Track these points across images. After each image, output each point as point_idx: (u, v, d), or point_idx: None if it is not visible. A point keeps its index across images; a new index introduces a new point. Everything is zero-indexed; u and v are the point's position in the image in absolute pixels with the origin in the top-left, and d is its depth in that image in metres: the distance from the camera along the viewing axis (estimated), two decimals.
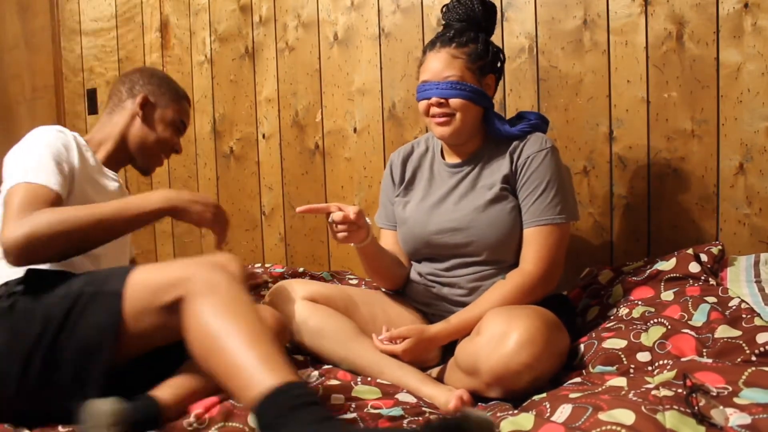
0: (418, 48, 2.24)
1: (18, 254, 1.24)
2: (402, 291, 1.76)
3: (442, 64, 1.54)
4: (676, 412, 0.98)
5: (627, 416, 0.97)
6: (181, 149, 1.73)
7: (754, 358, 1.16)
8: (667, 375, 1.17)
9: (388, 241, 1.76)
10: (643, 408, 0.99)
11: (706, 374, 1.12)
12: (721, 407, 0.98)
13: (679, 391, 1.06)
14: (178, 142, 1.72)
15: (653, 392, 1.07)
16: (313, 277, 2.13)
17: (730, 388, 1.06)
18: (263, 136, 2.59)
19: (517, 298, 1.47)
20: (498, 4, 2.03)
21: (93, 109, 3.03)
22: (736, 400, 1.02)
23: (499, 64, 1.63)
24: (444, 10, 1.64)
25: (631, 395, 1.07)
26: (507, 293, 1.48)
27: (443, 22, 1.65)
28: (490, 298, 1.48)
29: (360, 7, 2.35)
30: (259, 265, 2.43)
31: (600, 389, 1.16)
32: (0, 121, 3.33)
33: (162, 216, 1.38)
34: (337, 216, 1.50)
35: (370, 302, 1.65)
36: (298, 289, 1.59)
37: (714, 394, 1.04)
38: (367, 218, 1.55)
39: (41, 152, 1.41)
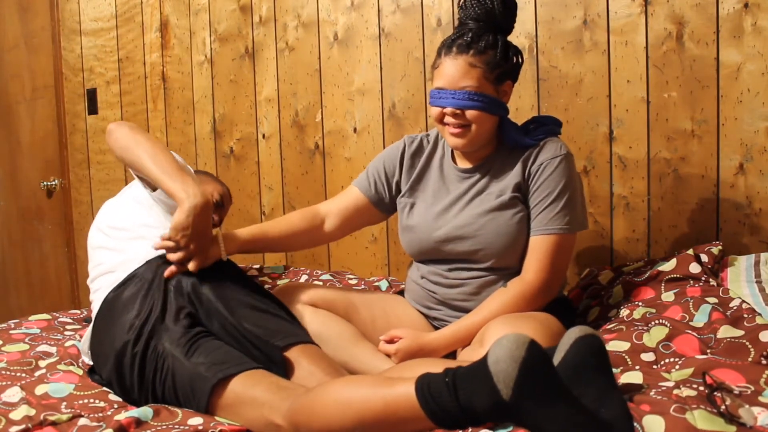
0: (418, 48, 2.24)
1: None
2: (402, 291, 1.75)
3: (459, 73, 1.47)
4: (704, 411, 0.97)
5: (657, 423, 0.96)
6: (217, 220, 2.03)
7: (764, 361, 1.16)
8: (685, 372, 1.16)
9: (344, 198, 1.71)
10: (671, 411, 0.97)
11: (725, 372, 1.11)
12: (748, 406, 0.97)
13: (701, 389, 1.05)
14: (216, 217, 2.02)
15: (675, 391, 1.06)
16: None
17: (753, 387, 1.05)
18: (263, 136, 2.59)
19: (517, 307, 1.46)
20: None
21: (93, 109, 3.03)
22: (761, 399, 1.01)
23: (516, 69, 1.57)
24: (461, 6, 1.56)
25: (652, 394, 1.06)
26: (507, 302, 1.46)
27: (459, 18, 1.57)
28: (490, 307, 1.47)
29: (360, 7, 2.35)
30: (258, 266, 2.43)
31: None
32: (0, 121, 3.34)
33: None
34: (174, 256, 1.47)
35: (370, 305, 1.64)
36: (298, 293, 1.59)
37: (737, 393, 1.03)
38: (217, 233, 1.54)
39: None
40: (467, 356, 1.40)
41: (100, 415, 1.29)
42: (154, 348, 1.36)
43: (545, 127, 1.58)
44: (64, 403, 1.33)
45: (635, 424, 0.97)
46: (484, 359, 0.99)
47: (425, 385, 1.03)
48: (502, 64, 1.50)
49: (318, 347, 1.44)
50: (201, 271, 1.49)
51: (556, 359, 1.06)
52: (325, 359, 1.40)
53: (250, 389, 1.26)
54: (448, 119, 1.50)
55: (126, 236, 1.66)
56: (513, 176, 1.54)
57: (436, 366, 1.12)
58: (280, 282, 2.22)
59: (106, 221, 1.73)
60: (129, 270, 1.54)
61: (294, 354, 1.39)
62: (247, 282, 1.55)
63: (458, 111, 1.48)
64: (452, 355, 1.51)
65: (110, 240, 1.68)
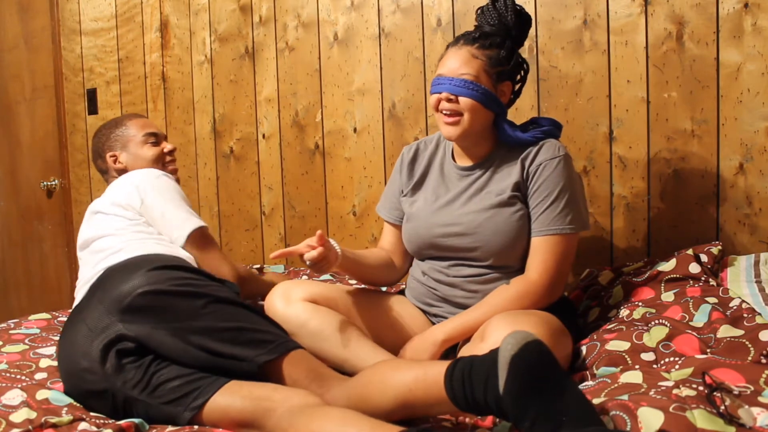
0: (418, 48, 2.24)
1: None
2: (403, 291, 1.76)
3: (459, 61, 1.52)
4: (704, 411, 0.97)
5: (655, 416, 0.96)
6: (171, 149, 1.93)
7: (763, 360, 1.16)
8: (685, 372, 1.16)
9: (387, 235, 1.75)
10: (670, 408, 0.97)
11: (725, 372, 1.11)
12: (747, 406, 0.97)
13: (701, 389, 1.05)
14: (164, 147, 1.92)
15: (674, 391, 1.06)
16: None
17: (752, 387, 1.05)
18: (263, 136, 2.59)
19: (519, 304, 1.46)
20: None
21: (93, 109, 3.03)
22: (760, 399, 1.01)
23: (520, 75, 1.61)
24: (478, 12, 1.61)
25: (652, 393, 1.06)
26: (509, 299, 1.47)
27: (475, 24, 1.62)
28: (492, 303, 1.48)
29: (360, 7, 2.35)
30: (258, 266, 2.43)
31: (616, 385, 1.16)
32: (0, 121, 3.34)
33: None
34: (312, 255, 1.45)
35: (371, 302, 1.65)
36: (297, 290, 1.58)
37: (736, 393, 1.03)
38: (331, 240, 1.53)
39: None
40: (468, 351, 1.40)
41: (102, 421, 1.29)
42: (113, 397, 1.31)
43: (544, 128, 1.59)
44: (65, 409, 1.32)
45: (625, 416, 0.97)
46: None
47: None
48: (504, 64, 1.54)
49: (299, 349, 1.40)
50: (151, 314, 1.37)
51: (500, 384, 1.02)
52: (303, 362, 1.36)
53: (226, 410, 1.24)
54: (442, 105, 1.54)
55: (89, 251, 1.66)
56: (512, 175, 1.55)
57: (429, 366, 1.12)
58: None
59: (81, 235, 1.74)
60: (82, 294, 1.52)
61: (274, 365, 1.35)
62: (204, 297, 1.41)
63: (452, 96, 1.51)
64: (453, 349, 1.52)
65: (83, 253, 1.69)
